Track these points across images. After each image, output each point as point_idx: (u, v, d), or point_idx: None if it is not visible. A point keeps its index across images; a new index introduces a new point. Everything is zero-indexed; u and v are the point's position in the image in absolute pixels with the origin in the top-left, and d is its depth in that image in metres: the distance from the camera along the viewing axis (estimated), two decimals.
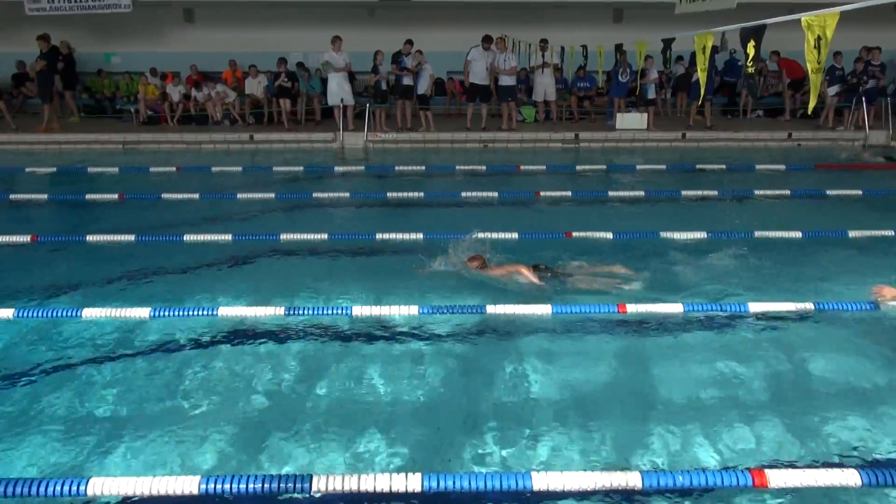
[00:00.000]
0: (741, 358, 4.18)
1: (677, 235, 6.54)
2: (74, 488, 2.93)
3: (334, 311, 4.83)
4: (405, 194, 8.57)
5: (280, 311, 4.80)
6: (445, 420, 3.61)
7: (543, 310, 4.78)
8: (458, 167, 10.38)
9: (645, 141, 12.62)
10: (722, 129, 13.15)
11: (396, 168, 10.34)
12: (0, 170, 10.42)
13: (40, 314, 4.75)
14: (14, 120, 13.25)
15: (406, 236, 6.55)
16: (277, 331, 4.61)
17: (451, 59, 14.54)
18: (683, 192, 8.53)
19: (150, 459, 3.28)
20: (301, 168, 10.43)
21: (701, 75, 8.42)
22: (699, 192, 8.53)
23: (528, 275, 5.16)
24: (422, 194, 8.58)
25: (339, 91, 12.63)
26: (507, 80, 12.80)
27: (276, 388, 3.93)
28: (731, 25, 7.57)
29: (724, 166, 10.42)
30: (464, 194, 8.54)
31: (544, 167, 10.33)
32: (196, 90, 13.87)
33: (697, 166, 10.44)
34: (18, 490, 2.92)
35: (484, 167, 10.40)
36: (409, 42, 12.65)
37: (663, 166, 10.46)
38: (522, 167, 10.33)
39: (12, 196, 8.62)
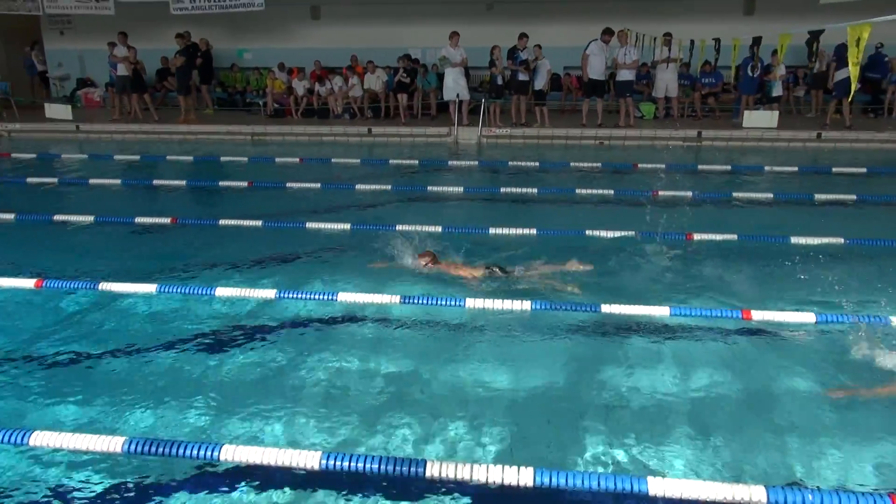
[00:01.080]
0: None
1: (809, 241, 6.14)
2: (207, 453, 3.15)
3: (448, 302, 4.88)
4: (518, 190, 8.55)
5: (396, 299, 4.92)
6: (559, 414, 3.58)
7: (661, 311, 4.64)
8: (572, 164, 10.23)
9: (774, 140, 11.90)
10: (863, 128, 12.16)
11: (510, 163, 10.33)
12: (145, 157, 11.30)
13: (179, 290, 5.13)
14: (157, 112, 14.36)
15: (519, 231, 6.53)
16: (393, 317, 4.74)
17: (568, 53, 14.32)
18: (817, 196, 7.98)
19: (274, 431, 3.46)
20: (416, 161, 10.64)
21: (853, 70, 7.82)
22: (835, 196, 7.95)
23: (466, 274, 5.31)
24: (535, 190, 8.52)
25: (454, 86, 12.76)
26: (625, 75, 12.46)
27: (392, 373, 4.04)
28: (886, 17, 6.98)
29: (864, 170, 9.64)
30: (578, 191, 8.41)
31: (663, 166, 9.98)
32: (319, 84, 14.47)
33: (834, 169, 9.72)
34: (157, 449, 3.17)
35: (599, 164, 10.20)
36: (525, 36, 12.57)
37: (794, 168, 9.82)
38: (640, 165, 10.03)
39: (155, 181, 9.35)
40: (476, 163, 10.75)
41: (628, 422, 3.50)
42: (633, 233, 6.37)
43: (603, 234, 6.39)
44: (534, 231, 6.52)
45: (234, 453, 3.15)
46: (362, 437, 3.41)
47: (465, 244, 6.04)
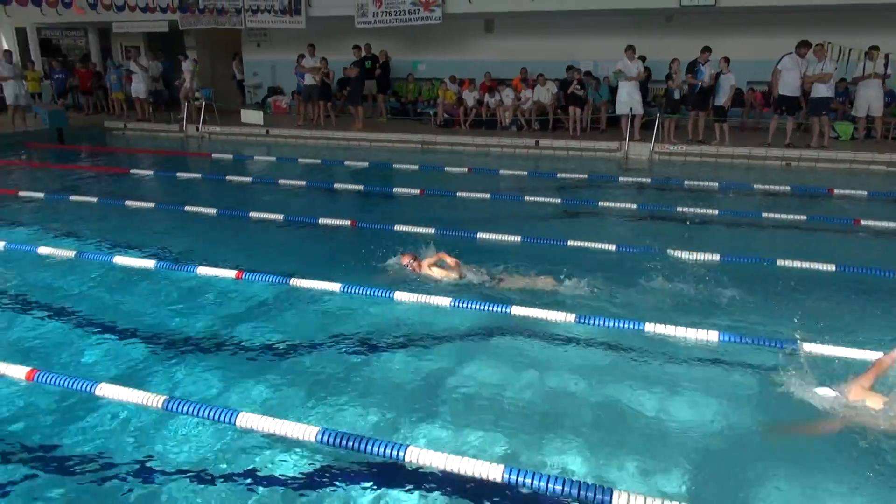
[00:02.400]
0: None
1: None
2: (394, 452, 3.24)
3: (625, 325, 4.70)
4: (696, 210, 8.10)
5: (571, 317, 4.82)
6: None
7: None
8: (756, 185, 9.55)
9: None
10: None
11: (685, 182, 9.83)
12: (325, 161, 12.06)
13: (361, 291, 5.37)
14: (336, 119, 15.29)
15: (700, 257, 6.16)
16: (566, 335, 4.64)
17: (752, 67, 13.42)
18: None
19: (452, 438, 3.50)
20: (585, 176, 10.45)
21: None
22: None
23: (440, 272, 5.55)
24: (715, 212, 8.03)
25: (628, 100, 12.40)
26: (821, 91, 11.39)
27: (566, 391, 3.95)
28: None
29: None
30: (765, 215, 7.81)
31: (865, 192, 9.01)
32: (489, 96, 14.67)
33: None
34: (344, 443, 3.31)
35: (788, 188, 9.41)
36: (707, 49, 11.94)
37: None
38: (836, 191, 9.13)
39: (336, 185, 9.93)
40: (648, 180, 10.35)
41: None
42: (833, 267, 5.78)
43: (798, 264, 5.86)
44: (716, 257, 6.12)
45: (417, 455, 3.21)
46: (534, 453, 3.36)
47: (641, 265, 5.80)
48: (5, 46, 18.41)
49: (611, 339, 4.57)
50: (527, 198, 8.76)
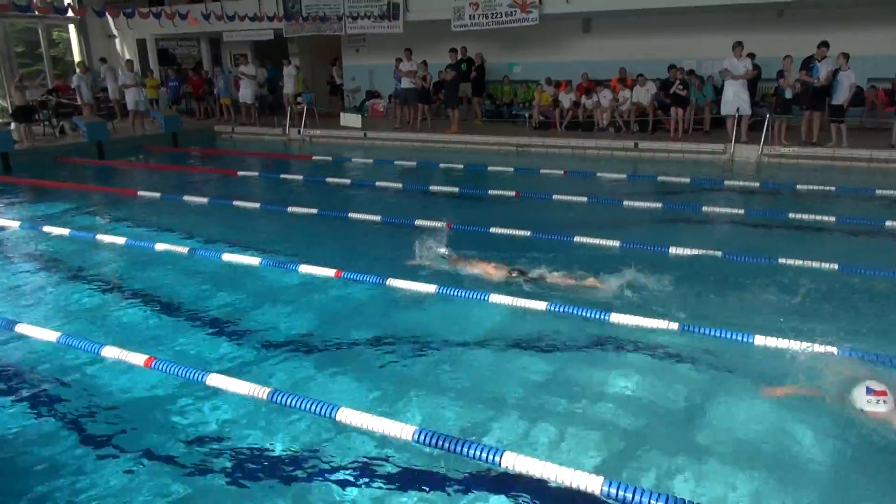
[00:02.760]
0: None
1: None
2: (490, 456, 3.20)
3: (734, 337, 4.46)
4: (812, 217, 7.61)
5: (674, 325, 4.63)
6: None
7: None
8: (878, 191, 8.87)
9: None
10: None
11: (798, 186, 9.27)
12: (421, 164, 12.21)
13: (458, 294, 5.37)
14: (431, 122, 15.45)
15: (815, 265, 5.78)
16: (669, 345, 4.46)
17: (874, 63, 12.51)
18: None
19: (548, 445, 3.42)
20: (687, 179, 10.05)
21: None
22: None
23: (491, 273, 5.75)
24: (832, 218, 7.51)
25: (735, 100, 11.83)
26: None
27: (666, 404, 3.79)
28: None
29: None
30: (889, 224, 7.24)
31: None
32: (586, 97, 14.41)
33: None
34: (441, 443, 3.31)
35: None
36: (824, 45, 11.20)
37: None
38: None
39: (431, 187, 10.02)
40: (756, 184, 9.83)
41: None
42: None
43: None
44: (834, 266, 5.72)
45: (514, 461, 3.17)
46: (635, 468, 3.23)
47: (750, 275, 5.51)
48: (128, 56, 19.78)
49: (716, 352, 4.35)
50: (626, 202, 8.51)
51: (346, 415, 3.58)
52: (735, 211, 8.08)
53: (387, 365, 4.38)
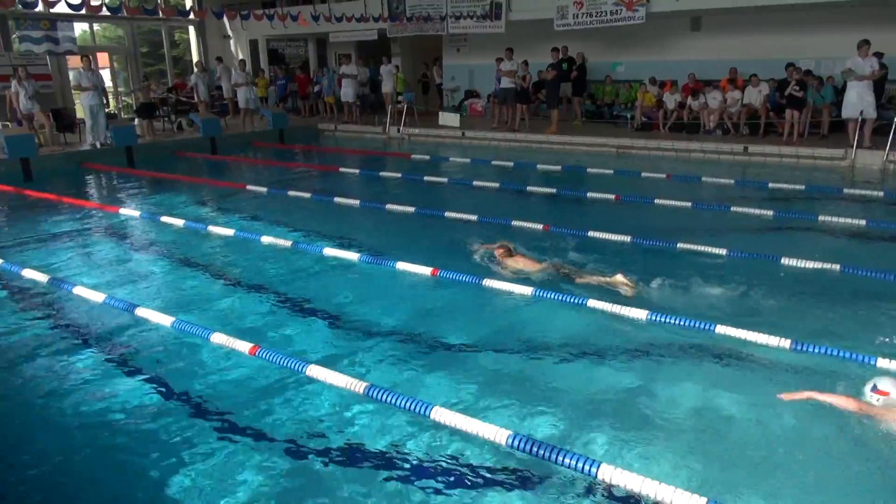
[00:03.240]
0: None
1: None
2: (585, 466, 3.12)
3: (855, 358, 4.14)
4: None
5: (785, 343, 4.36)
6: None
7: None
8: None
9: None
10: None
11: None
12: (518, 164, 12.13)
13: (554, 297, 5.29)
14: (529, 122, 15.32)
15: None
16: (778, 363, 4.20)
17: None
18: None
19: (646, 461, 3.30)
20: (801, 186, 9.46)
21: None
22: None
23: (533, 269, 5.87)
24: None
25: (858, 102, 11.02)
26: None
27: (775, 426, 3.56)
28: None
29: None
30: None
31: None
32: (692, 98, 13.86)
33: None
34: (535, 450, 3.26)
35: None
36: None
37: None
38: None
39: (528, 188, 9.93)
40: (880, 193, 9.11)
41: None
42: None
43: None
44: None
45: (611, 474, 3.07)
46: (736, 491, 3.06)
47: (870, 290, 5.11)
48: (241, 56, 20.79)
49: (834, 374, 4.05)
50: (733, 208, 8.11)
51: (440, 414, 3.59)
52: (856, 221, 7.53)
53: (480, 366, 4.37)
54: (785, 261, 6.02)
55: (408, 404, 3.70)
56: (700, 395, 3.90)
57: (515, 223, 7.63)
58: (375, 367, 4.37)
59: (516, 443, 3.31)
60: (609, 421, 3.67)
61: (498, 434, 3.38)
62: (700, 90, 13.96)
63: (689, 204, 8.37)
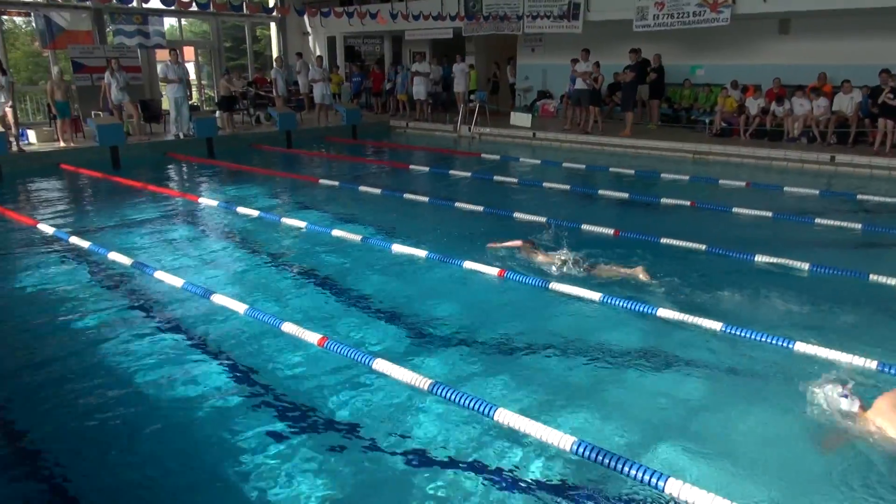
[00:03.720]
0: None
1: None
2: (653, 480, 3.03)
3: None
4: None
5: (871, 363, 4.12)
6: None
7: None
8: None
9: None
10: None
11: None
12: (590, 167, 11.93)
13: (623, 305, 5.18)
14: (603, 124, 15.05)
15: None
16: (861, 383, 3.97)
17: None
18: None
19: (717, 478, 3.18)
20: (893, 199, 8.94)
21: None
22: None
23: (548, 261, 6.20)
24: None
25: None
26: None
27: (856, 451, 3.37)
28: None
29: None
30: None
31: None
32: (776, 104, 13.30)
33: None
34: (601, 459, 3.19)
35: None
36: None
37: None
38: None
39: (600, 191, 9.76)
40: None
41: None
42: None
43: None
44: None
45: (679, 490, 2.98)
46: None
47: None
48: (318, 53, 21.25)
49: None
50: (818, 221, 7.74)
51: (504, 416, 3.56)
52: None
53: (545, 369, 4.32)
54: (873, 277, 5.70)
55: (471, 403, 3.69)
56: (775, 416, 3.74)
57: (585, 227, 7.51)
58: (440, 364, 4.38)
59: (581, 450, 3.25)
60: (676, 434, 3.57)
61: (562, 440, 3.33)
62: (785, 96, 13.39)
63: (769, 214, 8.04)
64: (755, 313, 5.05)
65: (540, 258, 6.28)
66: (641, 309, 5.09)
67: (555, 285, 5.58)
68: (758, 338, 4.52)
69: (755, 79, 14.43)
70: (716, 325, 4.72)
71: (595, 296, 5.33)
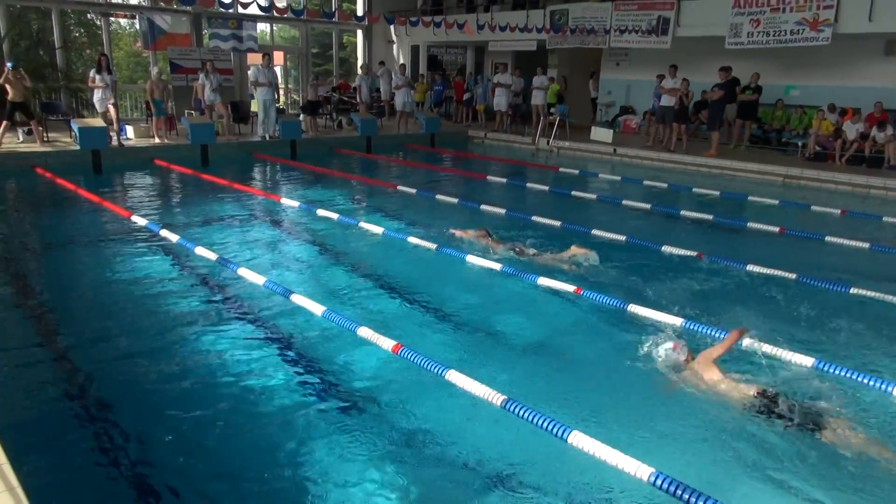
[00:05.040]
0: None
1: None
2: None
3: None
4: None
5: None
6: None
7: None
8: None
9: None
10: None
11: None
12: (672, 186, 11.60)
13: (706, 332, 4.97)
14: (687, 143, 14.61)
15: None
16: None
17: None
18: None
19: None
20: None
21: None
22: None
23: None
24: None
25: None
26: None
27: None
28: None
29: None
30: None
31: None
32: (878, 129, 12.58)
33: None
34: (679, 493, 3.04)
35: None
36: None
37: None
38: None
39: (682, 212, 9.46)
40: None
41: None
42: None
43: None
44: None
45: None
46: None
47: None
48: (402, 61, 21.57)
49: None
50: None
51: (578, 439, 3.46)
52: None
53: (623, 395, 4.19)
54: None
55: (544, 423, 3.61)
56: (867, 460, 3.49)
57: (666, 248, 7.28)
58: (513, 380, 4.32)
59: (658, 482, 3.12)
60: (755, 473, 3.38)
61: (639, 469, 3.21)
62: (887, 121, 12.66)
63: (866, 245, 7.59)
64: (849, 350, 4.76)
65: (497, 247, 6.96)
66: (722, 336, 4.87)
67: (634, 307, 5.42)
68: (852, 376, 4.24)
69: (855, 102, 13.74)
70: (807, 361, 4.45)
71: (676, 321, 5.14)
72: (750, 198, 10.54)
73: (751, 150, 14.52)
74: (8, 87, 11.79)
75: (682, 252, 7.16)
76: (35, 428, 3.75)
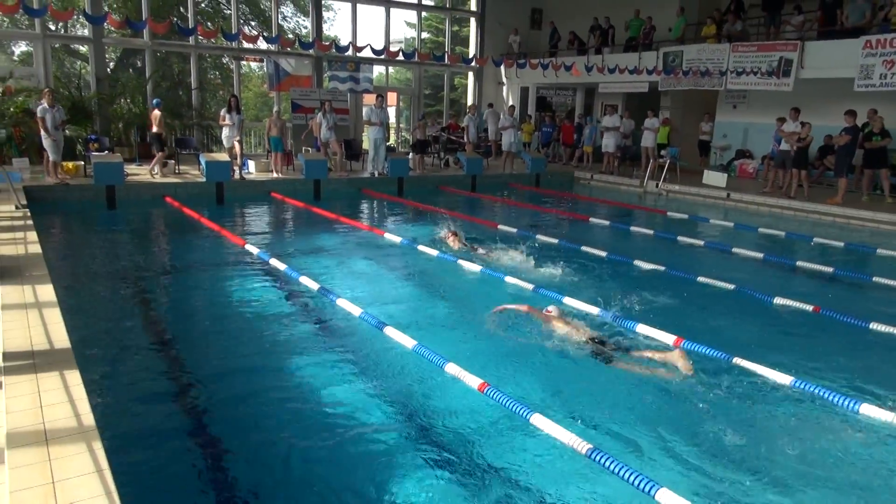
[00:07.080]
0: None
1: None
2: None
3: None
4: None
5: None
6: None
7: None
8: None
9: None
10: None
11: None
12: (790, 234, 10.94)
13: (818, 393, 4.60)
14: (809, 189, 13.75)
15: None
16: None
17: None
18: None
19: None
20: None
21: None
22: None
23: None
24: None
25: None
26: None
27: None
28: None
29: None
30: None
31: None
32: None
33: None
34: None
35: None
36: None
37: None
38: None
39: (798, 263, 8.87)
40: None
41: None
42: None
43: None
44: None
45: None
46: None
47: None
48: (511, 102, 21.84)
49: None
50: None
51: (667, 497, 3.27)
52: None
53: (720, 456, 3.92)
54: None
55: (631, 478, 3.44)
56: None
57: (778, 300, 6.83)
58: (600, 430, 4.16)
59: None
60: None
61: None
62: None
63: None
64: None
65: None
66: (842, 403, 4.48)
67: (740, 360, 5.10)
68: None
69: None
70: (889, 417, 4.02)
71: (786, 379, 4.79)
72: (879, 250, 9.73)
73: (879, 199, 13.40)
74: (153, 122, 13.20)
75: (797, 305, 6.69)
76: (137, 437, 4.01)
